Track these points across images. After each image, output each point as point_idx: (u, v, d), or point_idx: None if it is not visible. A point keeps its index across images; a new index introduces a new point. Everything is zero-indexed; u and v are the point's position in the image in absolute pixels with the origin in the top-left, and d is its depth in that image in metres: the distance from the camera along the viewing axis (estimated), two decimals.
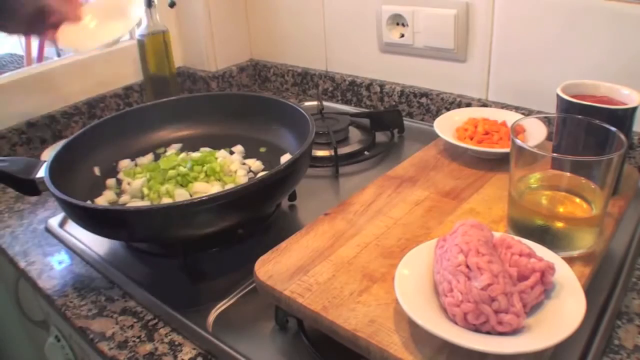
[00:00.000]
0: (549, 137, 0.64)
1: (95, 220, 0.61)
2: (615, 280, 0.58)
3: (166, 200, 0.69)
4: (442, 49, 0.94)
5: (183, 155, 0.79)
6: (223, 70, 1.23)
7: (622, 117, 0.56)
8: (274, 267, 0.53)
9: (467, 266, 0.43)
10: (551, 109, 0.62)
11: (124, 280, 0.64)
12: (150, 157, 0.83)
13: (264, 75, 1.27)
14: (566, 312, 0.42)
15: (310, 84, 1.18)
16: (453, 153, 0.75)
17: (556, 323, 0.41)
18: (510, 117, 0.78)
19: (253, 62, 1.28)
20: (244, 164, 0.79)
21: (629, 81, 0.61)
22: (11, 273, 0.83)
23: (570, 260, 0.49)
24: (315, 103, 1.03)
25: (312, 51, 1.16)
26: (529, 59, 0.85)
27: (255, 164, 0.79)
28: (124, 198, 0.73)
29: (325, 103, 1.04)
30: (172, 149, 0.84)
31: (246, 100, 0.88)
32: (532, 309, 0.44)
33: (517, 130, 0.55)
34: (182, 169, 0.73)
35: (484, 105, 0.91)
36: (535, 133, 0.66)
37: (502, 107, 0.88)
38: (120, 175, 0.78)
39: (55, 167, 0.67)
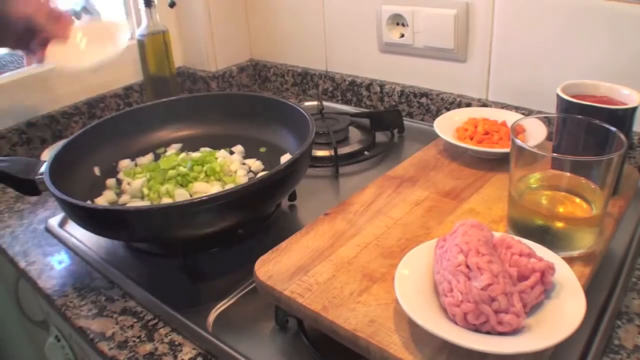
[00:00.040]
0: (549, 137, 0.64)
1: (95, 220, 0.61)
2: (615, 280, 0.58)
3: (166, 200, 0.69)
4: (442, 49, 0.94)
5: (183, 155, 0.79)
6: (223, 70, 1.23)
7: (622, 117, 0.56)
8: (274, 267, 0.53)
9: (467, 266, 0.43)
10: (551, 109, 0.62)
11: (124, 280, 0.63)
12: (150, 157, 0.83)
13: (264, 75, 1.27)
14: (566, 312, 0.42)
15: (310, 84, 1.18)
16: (453, 153, 0.75)
17: (556, 323, 0.41)
18: (510, 117, 0.78)
19: (253, 62, 1.28)
20: (244, 164, 0.79)
21: (629, 81, 0.61)
22: (11, 273, 0.83)
23: (570, 260, 0.49)
24: (315, 103, 1.03)
25: (312, 51, 1.16)
26: (529, 59, 0.85)
27: (255, 164, 0.79)
28: (124, 198, 0.73)
29: (325, 103, 1.04)
30: (172, 149, 0.84)
31: (246, 100, 0.88)
32: (532, 309, 0.43)
33: (517, 130, 0.55)
34: (182, 169, 0.73)
35: (484, 105, 0.91)
36: (535, 133, 0.66)
37: (502, 107, 0.88)
38: (120, 175, 0.78)
39: (55, 167, 0.67)
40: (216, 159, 0.76)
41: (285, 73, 1.22)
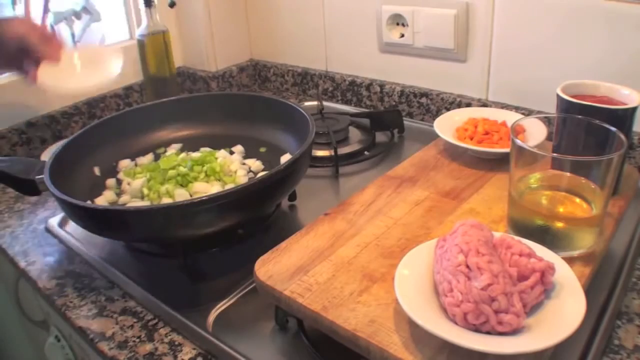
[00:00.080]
0: (549, 137, 0.64)
1: (95, 220, 0.61)
2: (615, 280, 0.58)
3: (166, 200, 0.69)
4: (442, 49, 0.94)
5: (183, 155, 0.79)
6: (223, 70, 1.23)
7: (622, 117, 0.56)
8: (274, 267, 0.53)
9: (467, 266, 0.43)
10: (551, 109, 0.62)
11: (124, 280, 0.63)
12: (150, 157, 0.83)
13: (264, 75, 1.27)
14: (566, 312, 0.42)
15: (310, 84, 1.18)
16: (453, 153, 0.75)
17: (556, 323, 0.41)
18: (510, 117, 0.78)
19: (253, 62, 1.28)
20: (244, 164, 0.79)
21: (628, 81, 0.61)
22: (11, 273, 0.83)
23: (570, 260, 0.49)
24: (315, 103, 1.03)
25: (312, 51, 1.16)
26: (529, 58, 0.85)
27: (255, 164, 0.79)
28: (124, 198, 0.73)
29: (325, 103, 1.04)
30: (172, 149, 0.84)
31: (246, 100, 0.88)
32: (532, 309, 0.44)
33: (517, 130, 0.55)
34: (182, 169, 0.73)
35: (484, 105, 0.91)
36: (535, 133, 0.66)
37: (502, 107, 0.88)
38: (120, 175, 0.78)
39: (55, 167, 0.67)
40: (216, 159, 0.76)
41: (285, 73, 1.22)
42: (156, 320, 0.58)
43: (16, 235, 0.75)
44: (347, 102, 1.13)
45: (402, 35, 0.98)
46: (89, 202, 0.69)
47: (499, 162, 0.71)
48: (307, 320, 0.51)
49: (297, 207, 0.77)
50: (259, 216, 0.72)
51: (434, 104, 0.98)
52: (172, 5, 1.11)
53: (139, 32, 1.06)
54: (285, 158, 0.77)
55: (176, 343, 0.54)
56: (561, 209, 0.53)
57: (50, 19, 1.44)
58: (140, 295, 0.61)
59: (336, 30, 1.10)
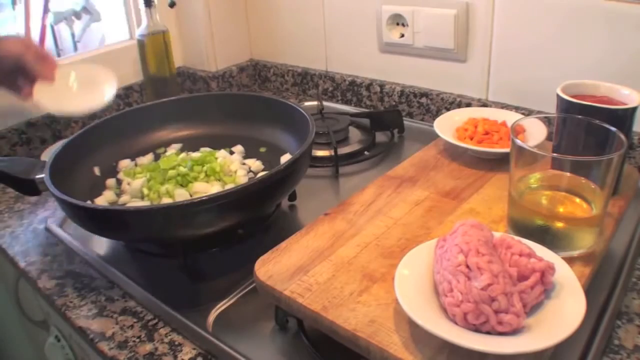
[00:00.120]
0: (549, 137, 0.64)
1: (95, 221, 0.61)
2: (615, 280, 0.58)
3: (166, 200, 0.69)
4: (442, 49, 0.94)
5: (183, 155, 0.79)
6: (223, 70, 1.23)
7: (622, 117, 0.56)
8: (274, 267, 0.53)
9: (467, 266, 0.43)
10: (551, 109, 0.62)
11: (124, 280, 0.63)
12: (150, 157, 0.83)
13: (264, 75, 1.27)
14: (566, 312, 0.42)
15: (310, 84, 1.18)
16: (453, 153, 0.75)
17: (556, 323, 0.41)
18: (510, 117, 0.78)
19: (253, 62, 1.28)
20: (244, 164, 0.79)
21: (628, 81, 0.61)
22: (11, 273, 0.83)
23: (570, 260, 0.49)
24: (315, 103, 1.03)
25: (312, 51, 1.16)
26: (529, 58, 0.85)
27: (255, 164, 0.79)
28: (124, 198, 0.73)
29: (325, 103, 1.04)
30: (172, 149, 0.84)
31: (246, 100, 0.88)
32: (532, 309, 0.44)
33: (517, 130, 0.55)
34: (182, 169, 0.73)
35: (484, 105, 0.91)
36: (535, 133, 0.66)
37: (502, 107, 0.88)
38: (120, 175, 0.78)
39: (55, 167, 0.67)
40: (216, 159, 0.76)
41: (285, 73, 1.22)
42: (156, 320, 0.58)
43: (16, 235, 0.75)
44: (347, 102, 1.13)
45: (402, 35, 0.98)
46: (89, 202, 0.69)
47: (499, 162, 0.71)
48: (307, 320, 0.51)
49: (297, 207, 0.77)
50: (259, 216, 0.72)
51: (434, 104, 0.98)
52: (172, 5, 1.11)
53: (139, 32, 1.06)
54: (285, 158, 0.77)
55: (176, 343, 0.54)
56: (561, 209, 0.53)
57: (50, 19, 1.44)
58: (140, 295, 0.61)
59: (336, 30, 1.10)
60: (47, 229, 0.76)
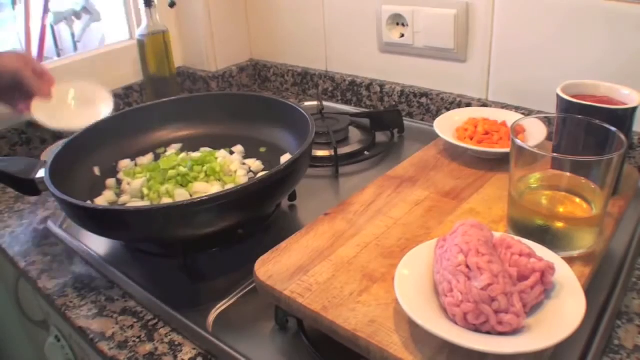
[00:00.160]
0: (549, 137, 0.64)
1: (95, 221, 0.61)
2: (615, 280, 0.58)
3: (166, 200, 0.69)
4: (442, 49, 0.94)
5: (183, 155, 0.79)
6: (223, 70, 1.23)
7: (622, 117, 0.56)
8: (274, 267, 0.53)
9: (467, 266, 0.43)
10: (551, 109, 0.62)
11: (124, 280, 0.63)
12: (150, 157, 0.83)
13: (264, 75, 1.27)
14: (566, 312, 0.42)
15: (310, 84, 1.18)
16: (453, 153, 0.75)
17: (556, 323, 0.41)
18: (510, 117, 0.78)
19: (253, 62, 1.28)
20: (244, 164, 0.79)
21: (628, 81, 0.61)
22: (11, 273, 0.83)
23: (570, 260, 0.49)
24: (315, 103, 1.03)
25: (312, 51, 1.16)
26: (529, 58, 0.85)
27: (255, 164, 0.79)
28: (124, 198, 0.73)
29: (325, 103, 1.04)
30: (172, 149, 0.84)
31: (246, 100, 0.88)
32: (532, 309, 0.44)
33: (517, 130, 0.55)
34: (182, 169, 0.73)
35: (484, 105, 0.91)
36: (535, 133, 0.66)
37: (502, 107, 0.88)
38: (120, 175, 0.78)
39: (55, 167, 0.67)
40: (216, 159, 0.76)
41: (285, 73, 1.22)
42: (156, 320, 0.58)
43: (16, 235, 0.75)
44: (347, 102, 1.13)
45: (402, 35, 0.98)
46: (89, 202, 0.69)
47: (499, 162, 0.71)
48: (307, 320, 0.51)
49: (297, 207, 0.77)
50: (259, 216, 0.72)
51: (434, 104, 0.98)
52: (172, 5, 1.11)
53: (139, 32, 1.06)
54: (285, 158, 0.77)
55: (176, 343, 0.54)
56: (561, 209, 0.53)
57: (50, 19, 1.44)
58: (140, 295, 0.61)
59: (336, 30, 1.10)
60: (47, 229, 0.76)
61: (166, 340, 0.55)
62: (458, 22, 0.90)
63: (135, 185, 0.72)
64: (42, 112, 0.82)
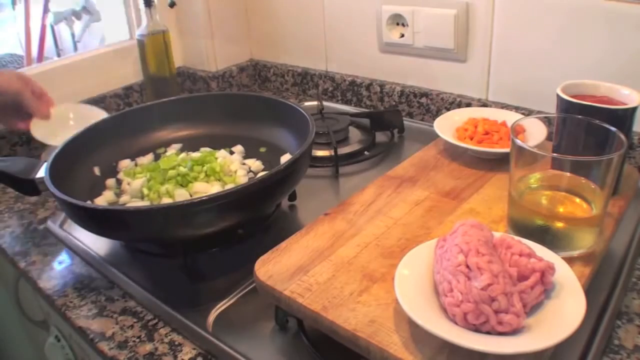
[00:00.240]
0: (549, 137, 0.64)
1: (95, 220, 0.61)
2: (615, 280, 0.58)
3: (166, 200, 0.69)
4: (442, 49, 0.94)
5: (183, 155, 0.79)
6: (223, 70, 1.23)
7: (622, 117, 0.56)
8: (274, 267, 0.53)
9: (467, 266, 0.43)
10: (551, 109, 0.62)
11: (124, 280, 0.63)
12: (150, 157, 0.83)
13: (264, 75, 1.27)
14: (566, 312, 0.42)
15: (310, 84, 1.18)
16: (453, 153, 0.75)
17: (556, 323, 0.41)
18: (510, 117, 0.78)
19: (253, 62, 1.28)
20: (244, 164, 0.79)
21: (628, 81, 0.61)
22: (11, 273, 0.83)
23: (570, 260, 0.49)
24: (315, 103, 1.03)
25: (312, 51, 1.16)
26: (529, 59, 0.85)
27: (255, 164, 0.79)
28: (124, 198, 0.73)
29: (325, 103, 1.04)
30: (172, 149, 0.84)
31: (246, 100, 0.88)
32: (532, 309, 0.44)
33: (517, 130, 0.55)
34: (182, 169, 0.73)
35: (484, 105, 0.91)
36: (535, 133, 0.66)
37: (502, 107, 0.88)
38: (120, 175, 0.78)
39: (55, 167, 0.67)
40: (216, 159, 0.76)
41: (285, 73, 1.22)
42: (156, 320, 0.58)
43: (16, 235, 0.75)
44: (347, 102, 1.13)
45: (402, 35, 0.98)
46: (89, 202, 0.69)
47: (499, 162, 0.71)
48: (307, 320, 0.51)
49: (297, 207, 0.77)
50: (259, 216, 0.72)
51: (434, 104, 0.98)
52: (172, 5, 1.11)
53: (139, 32, 1.06)
54: (285, 158, 0.77)
55: (176, 343, 0.54)
56: (561, 209, 0.53)
57: (50, 19, 1.44)
58: (140, 295, 0.61)
59: (336, 31, 1.10)
60: (47, 229, 0.76)
61: (166, 340, 0.55)
62: (458, 22, 0.90)
63: (135, 185, 0.72)
64: (41, 131, 0.84)
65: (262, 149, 0.83)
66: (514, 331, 0.41)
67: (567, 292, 0.44)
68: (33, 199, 0.84)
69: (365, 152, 0.89)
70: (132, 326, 0.57)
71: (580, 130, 0.55)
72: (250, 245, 0.68)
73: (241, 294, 0.60)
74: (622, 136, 0.49)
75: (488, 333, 0.41)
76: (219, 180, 0.73)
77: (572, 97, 0.58)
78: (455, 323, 0.42)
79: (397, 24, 0.99)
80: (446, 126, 0.77)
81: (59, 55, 1.55)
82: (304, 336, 0.53)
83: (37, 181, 0.66)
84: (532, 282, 0.43)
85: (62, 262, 0.69)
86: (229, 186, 0.72)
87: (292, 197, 0.77)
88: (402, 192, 0.66)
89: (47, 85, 1.03)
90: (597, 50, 0.77)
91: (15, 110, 0.81)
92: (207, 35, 1.18)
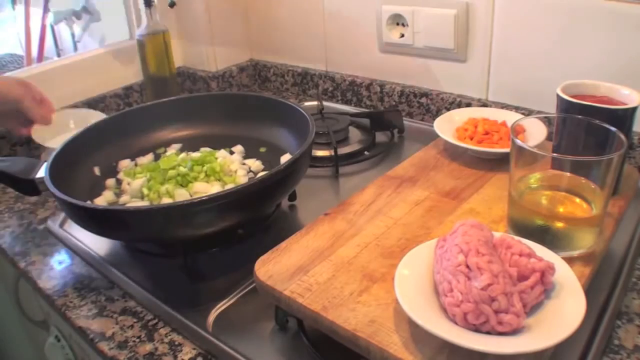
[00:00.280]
0: (549, 137, 0.64)
1: (95, 220, 0.61)
2: (615, 280, 0.58)
3: (166, 200, 0.69)
4: (442, 49, 0.94)
5: (183, 155, 0.79)
6: (223, 70, 1.23)
7: (622, 117, 0.56)
8: (274, 267, 0.53)
9: (467, 266, 0.43)
10: (551, 109, 0.62)
11: (124, 280, 0.63)
12: (150, 157, 0.83)
13: (264, 75, 1.27)
14: (566, 312, 0.42)
15: (310, 84, 1.18)
16: (453, 153, 0.75)
17: (556, 323, 0.41)
18: (510, 117, 0.78)
19: (253, 62, 1.28)
20: (244, 164, 0.79)
21: (629, 81, 0.61)
22: (11, 273, 0.83)
23: (570, 260, 0.49)
24: (315, 103, 1.03)
25: (312, 51, 1.16)
26: (529, 59, 0.85)
27: (255, 164, 0.79)
28: (124, 198, 0.73)
29: (325, 103, 1.04)
30: (172, 149, 0.84)
31: (246, 100, 0.88)
32: (532, 309, 0.44)
33: (517, 130, 0.55)
34: (182, 169, 0.73)
35: (484, 105, 0.91)
36: (535, 133, 0.66)
37: (502, 107, 0.88)
38: (120, 175, 0.78)
39: (55, 167, 0.67)
40: (216, 159, 0.76)
41: (285, 73, 1.22)
42: (156, 320, 0.58)
43: (16, 235, 0.75)
44: (347, 102, 1.13)
45: (402, 35, 0.98)
46: (89, 202, 0.69)
47: (499, 162, 0.71)
48: (307, 320, 0.51)
49: (297, 207, 0.77)
50: (259, 216, 0.72)
51: (434, 104, 0.98)
52: (172, 5, 1.11)
53: (139, 32, 1.06)
54: (285, 158, 0.77)
55: (176, 343, 0.54)
56: (561, 209, 0.53)
57: (50, 19, 1.44)
58: (140, 295, 0.61)
59: (336, 30, 1.10)
60: (47, 229, 0.76)
61: (166, 340, 0.55)
62: (458, 22, 0.90)
63: (135, 185, 0.72)
64: (43, 135, 0.85)
65: (262, 149, 0.83)
66: (514, 331, 0.41)
67: (567, 292, 0.44)
68: (33, 199, 0.84)
69: (365, 152, 0.89)
70: (132, 326, 0.57)
71: (580, 130, 0.55)
72: (250, 245, 0.68)
73: (241, 294, 0.60)
74: (622, 136, 0.49)
75: (488, 333, 0.41)
76: (219, 180, 0.73)
77: (572, 97, 0.58)
78: (455, 323, 0.42)
79: (397, 24, 0.99)
80: (446, 126, 0.77)
81: (59, 55, 1.55)
82: (304, 336, 0.53)
83: (37, 181, 0.66)
84: (532, 282, 0.43)
85: (62, 262, 0.69)
86: (229, 186, 0.72)
87: (292, 197, 0.77)
88: (402, 192, 0.66)
89: (47, 85, 1.03)
90: (597, 50, 0.77)
91: (16, 116, 0.82)
92: (207, 35, 1.18)
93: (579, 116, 0.55)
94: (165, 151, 0.84)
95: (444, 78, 0.97)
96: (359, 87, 1.09)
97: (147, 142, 0.86)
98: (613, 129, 0.50)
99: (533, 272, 0.44)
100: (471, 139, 0.74)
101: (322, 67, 1.16)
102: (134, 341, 0.55)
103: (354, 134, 0.96)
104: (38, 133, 0.85)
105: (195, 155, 0.78)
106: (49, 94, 1.03)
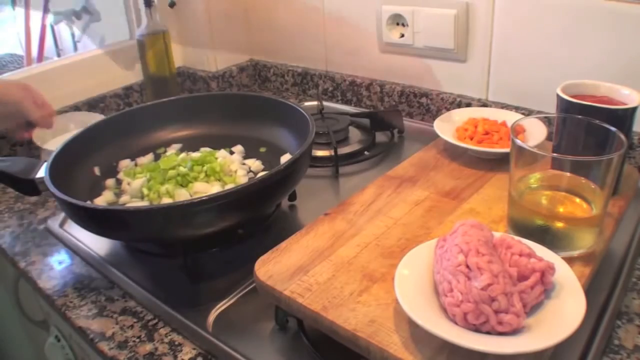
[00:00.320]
0: (549, 137, 0.64)
1: (95, 220, 0.61)
2: (615, 280, 0.58)
3: (166, 200, 0.69)
4: (442, 49, 0.94)
5: (183, 155, 0.79)
6: (223, 70, 1.23)
7: (622, 117, 0.56)
8: (274, 267, 0.53)
9: (467, 266, 0.43)
10: (551, 109, 0.62)
11: (124, 280, 0.64)
12: (150, 157, 0.83)
13: (264, 75, 1.27)
14: (566, 312, 0.42)
15: (310, 84, 1.18)
16: (453, 153, 0.75)
17: (556, 323, 0.41)
18: (510, 117, 0.78)
19: (253, 62, 1.28)
20: (244, 164, 0.79)
21: (629, 81, 0.61)
22: (11, 273, 0.83)
23: (570, 260, 0.49)
24: (315, 103, 1.03)
25: (312, 51, 1.16)
26: (529, 59, 0.85)
27: (255, 164, 0.79)
28: (124, 198, 0.73)
29: (325, 103, 1.04)
30: (172, 149, 0.84)
31: (246, 100, 0.88)
32: (532, 309, 0.44)
33: (517, 130, 0.55)
34: (182, 169, 0.73)
35: (484, 105, 0.91)
36: (535, 133, 0.66)
37: (502, 107, 0.88)
38: (120, 175, 0.78)
39: (55, 167, 0.67)
40: (216, 159, 0.76)
41: (285, 73, 1.22)
42: (156, 320, 0.58)
43: (16, 235, 0.75)
44: (347, 102, 1.13)
45: (402, 35, 0.98)
46: (88, 202, 0.69)
47: (499, 162, 0.71)
48: (307, 320, 0.51)
49: (297, 207, 0.77)
50: (259, 216, 0.72)
51: (434, 104, 0.98)
52: (172, 5, 1.11)
53: (139, 32, 1.06)
54: (285, 158, 0.77)
55: (176, 343, 0.54)
56: (561, 209, 0.53)
57: (50, 19, 1.44)
58: (140, 295, 0.61)
59: (336, 30, 1.10)
60: (47, 229, 0.76)
61: (166, 340, 0.55)
62: (458, 22, 0.90)
63: (135, 185, 0.72)
64: (44, 138, 0.86)
65: (262, 149, 0.83)
66: (514, 331, 0.41)
67: (567, 292, 0.44)
68: (33, 199, 0.84)
69: (365, 152, 0.89)
70: (132, 326, 0.57)
71: (580, 130, 0.55)
72: (250, 245, 0.68)
73: (241, 294, 0.60)
74: (622, 136, 0.49)
75: (488, 333, 0.41)
76: (219, 180, 0.73)
77: (572, 97, 0.58)
78: (455, 323, 0.42)
79: (397, 24, 0.99)
80: (446, 126, 0.77)
81: (59, 55, 1.55)
82: (304, 336, 0.53)
83: (37, 181, 0.66)
84: (532, 282, 0.43)
85: (62, 262, 0.69)
86: (229, 186, 0.72)
87: (292, 197, 0.77)
88: (402, 192, 0.66)
89: (47, 85, 1.03)
90: (598, 50, 0.77)
91: (16, 119, 0.82)
92: (207, 35, 1.18)
93: (579, 116, 0.55)
94: (165, 151, 0.84)
95: (444, 78, 0.97)
96: (359, 87, 1.09)
97: (147, 142, 0.86)
98: (613, 129, 0.50)
99: (533, 272, 0.44)
100: (471, 139, 0.74)
101: (322, 67, 1.16)
102: (134, 341, 0.55)
103: (354, 134, 0.96)
104: (39, 137, 0.86)
105: (195, 155, 0.78)
106: (49, 94, 1.03)
